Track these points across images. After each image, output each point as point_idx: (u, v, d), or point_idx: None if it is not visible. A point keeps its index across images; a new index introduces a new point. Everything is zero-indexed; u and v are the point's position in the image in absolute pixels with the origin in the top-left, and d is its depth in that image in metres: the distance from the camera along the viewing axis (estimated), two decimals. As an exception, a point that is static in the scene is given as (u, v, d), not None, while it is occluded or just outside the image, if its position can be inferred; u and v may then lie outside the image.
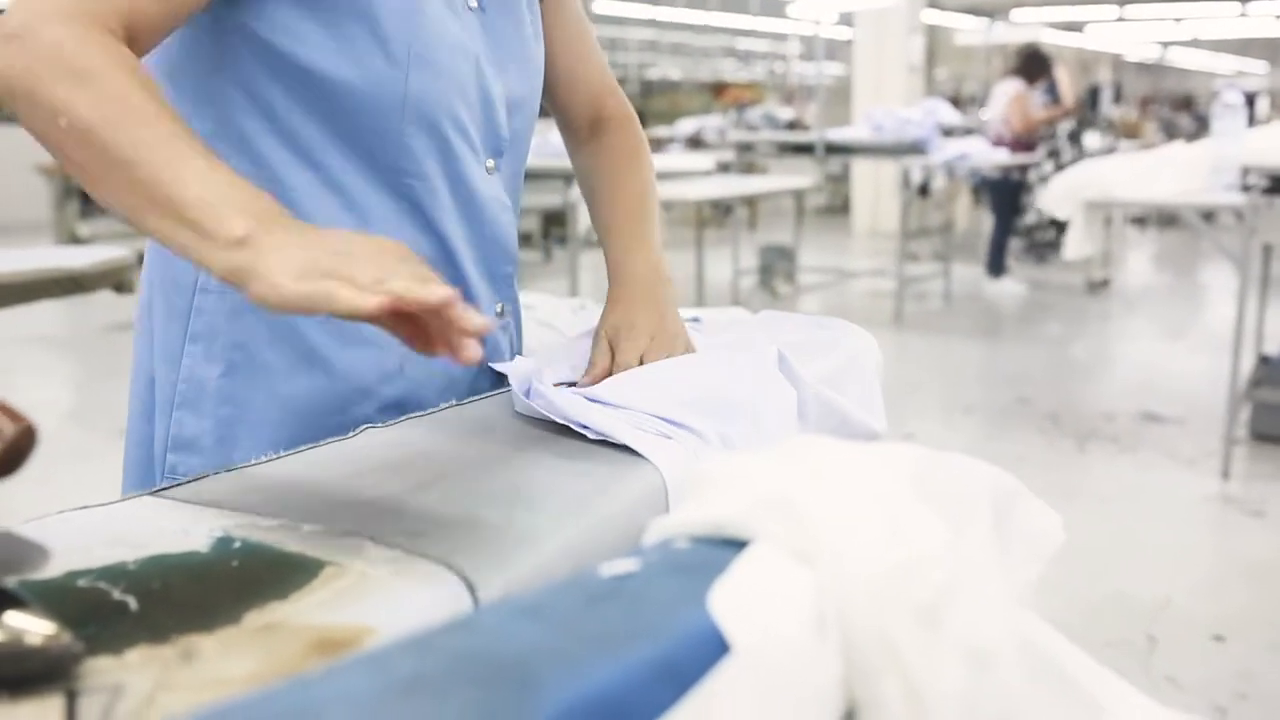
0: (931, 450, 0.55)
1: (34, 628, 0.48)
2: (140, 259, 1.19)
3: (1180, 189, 3.84)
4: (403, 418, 0.92)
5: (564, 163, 1.59)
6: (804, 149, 7.04)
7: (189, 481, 0.75)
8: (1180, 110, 14.64)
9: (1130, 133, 10.87)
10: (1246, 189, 3.59)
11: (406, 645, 0.41)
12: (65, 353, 5.51)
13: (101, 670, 0.48)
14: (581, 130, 1.21)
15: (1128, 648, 2.50)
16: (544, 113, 1.17)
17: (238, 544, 0.63)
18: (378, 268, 0.66)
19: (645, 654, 0.41)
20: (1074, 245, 3.86)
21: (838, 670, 0.44)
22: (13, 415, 0.59)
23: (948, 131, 6.95)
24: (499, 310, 1.09)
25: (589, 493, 0.75)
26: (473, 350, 0.65)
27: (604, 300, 1.09)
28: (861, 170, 10.61)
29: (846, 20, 11.70)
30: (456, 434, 0.88)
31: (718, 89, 14.68)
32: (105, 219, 7.17)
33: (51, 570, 0.58)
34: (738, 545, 0.49)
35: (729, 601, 0.44)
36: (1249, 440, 3.94)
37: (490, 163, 1.05)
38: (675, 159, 7.76)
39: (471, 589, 0.59)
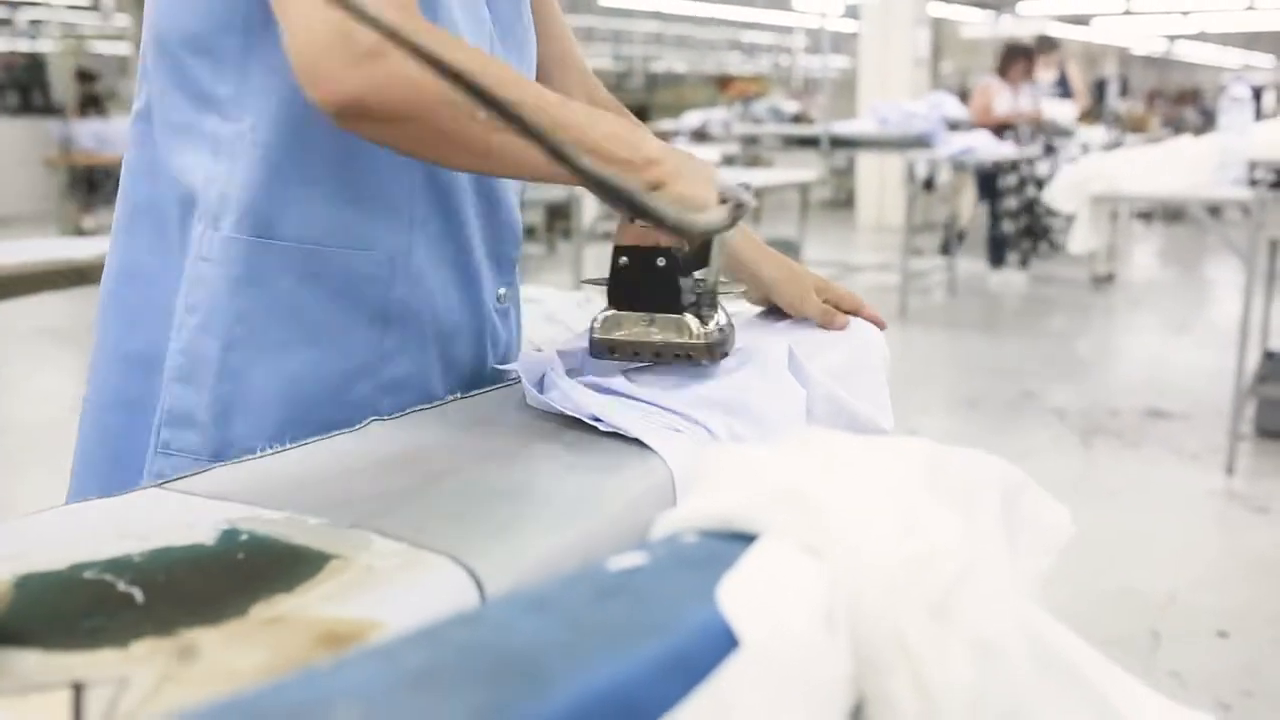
0: (939, 444, 0.55)
1: None
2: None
3: (1186, 183, 3.83)
4: (409, 410, 0.92)
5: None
6: (809, 142, 7.04)
7: (194, 474, 0.75)
8: (1186, 104, 14.60)
9: (1136, 126, 10.84)
10: (1253, 183, 3.58)
11: (414, 639, 0.41)
12: (69, 344, 5.51)
13: (107, 663, 0.48)
14: None
15: (1132, 643, 2.49)
16: None
17: (244, 537, 0.63)
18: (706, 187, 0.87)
19: (654, 648, 0.41)
20: (1080, 239, 3.86)
21: (847, 664, 0.44)
22: None
23: (953, 125, 6.93)
24: (500, 295, 1.09)
25: (596, 486, 0.74)
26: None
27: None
28: (866, 164, 10.59)
29: (852, 13, 11.68)
30: (462, 427, 0.88)
31: (723, 82, 14.62)
32: (108, 211, 7.17)
33: (57, 562, 0.58)
34: (746, 539, 0.49)
35: (738, 596, 0.44)
36: (1254, 436, 3.94)
37: None
38: (680, 152, 7.74)
39: (478, 583, 0.59)
